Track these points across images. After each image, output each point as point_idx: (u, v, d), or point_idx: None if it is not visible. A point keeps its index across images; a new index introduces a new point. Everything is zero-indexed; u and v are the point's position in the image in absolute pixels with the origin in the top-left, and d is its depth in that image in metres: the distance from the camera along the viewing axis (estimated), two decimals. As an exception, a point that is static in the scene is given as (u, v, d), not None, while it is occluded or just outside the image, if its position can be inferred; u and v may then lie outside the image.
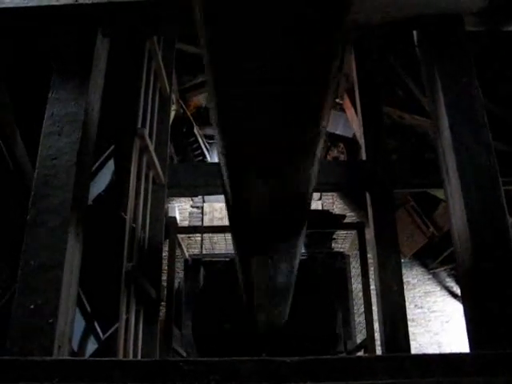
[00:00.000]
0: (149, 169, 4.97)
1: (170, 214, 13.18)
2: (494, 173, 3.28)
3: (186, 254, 9.22)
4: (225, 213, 13.93)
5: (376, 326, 6.01)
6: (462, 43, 3.62)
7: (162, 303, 5.93)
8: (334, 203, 15.12)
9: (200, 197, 14.43)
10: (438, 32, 3.66)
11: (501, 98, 7.27)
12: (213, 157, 14.39)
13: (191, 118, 13.28)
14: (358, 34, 6.18)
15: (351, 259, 8.98)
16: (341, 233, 10.26)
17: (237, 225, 2.97)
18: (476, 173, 3.28)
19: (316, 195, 14.57)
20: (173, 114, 10.74)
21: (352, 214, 14.55)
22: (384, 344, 5.26)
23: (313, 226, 7.97)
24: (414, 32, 3.97)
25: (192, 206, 14.89)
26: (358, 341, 8.09)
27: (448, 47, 3.61)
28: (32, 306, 2.93)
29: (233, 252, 4.16)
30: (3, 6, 3.55)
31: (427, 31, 3.74)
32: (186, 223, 14.37)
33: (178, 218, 13.83)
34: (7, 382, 1.83)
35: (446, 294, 14.24)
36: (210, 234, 11.88)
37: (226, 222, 13.45)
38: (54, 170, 3.26)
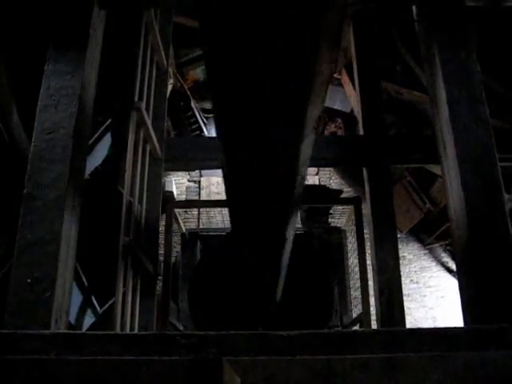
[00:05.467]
0: (146, 143, 4.95)
1: (167, 189, 13.16)
2: (491, 149, 3.28)
3: (183, 229, 9.23)
4: (222, 187, 13.94)
5: (372, 300, 6.06)
6: (462, 18, 3.60)
7: (159, 277, 5.96)
8: (330, 178, 15.12)
9: (197, 171, 14.41)
10: (438, 6, 3.64)
11: (499, 74, 7.23)
12: (210, 131, 14.34)
13: (188, 92, 13.20)
14: (356, 8, 6.14)
15: (348, 234, 9.00)
16: (337, 208, 10.27)
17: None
18: (473, 149, 3.28)
19: (313, 170, 14.56)
20: (170, 87, 10.68)
21: (349, 189, 14.56)
22: (379, 318, 5.30)
23: (310, 201, 7.99)
24: (414, 6, 3.94)
25: (189, 181, 14.88)
26: (354, 315, 8.15)
27: (447, 22, 3.59)
28: (29, 280, 2.94)
29: (230, 226, 4.14)
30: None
31: (427, 5, 3.71)
32: (183, 197, 14.37)
33: (174, 192, 13.82)
34: (5, 355, 1.84)
35: (442, 269, 14.32)
36: (207, 209, 11.90)
37: (223, 197, 13.46)
38: (50, 143, 3.24)
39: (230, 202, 2.97)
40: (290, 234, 3.47)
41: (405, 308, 5.34)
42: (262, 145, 2.02)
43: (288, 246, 3.74)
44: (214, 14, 1.44)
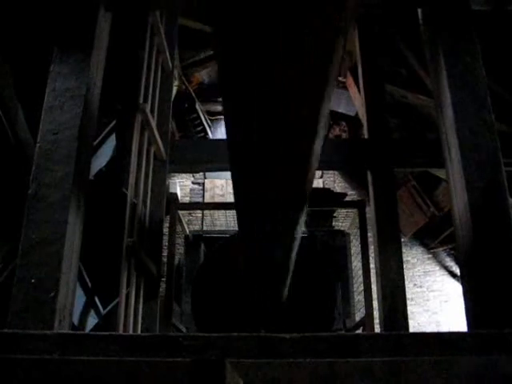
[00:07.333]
0: (150, 144, 4.96)
1: (171, 190, 13.15)
2: (495, 154, 3.28)
3: (187, 230, 9.23)
4: (226, 189, 13.96)
5: (375, 304, 6.05)
6: (467, 22, 3.59)
7: (163, 279, 5.95)
8: (335, 181, 15.10)
9: (201, 173, 14.41)
10: (443, 10, 3.64)
11: (504, 78, 7.22)
12: (214, 133, 14.35)
13: (193, 94, 13.22)
14: (362, 11, 6.14)
15: (351, 237, 8.99)
16: (341, 211, 10.25)
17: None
18: (478, 153, 3.27)
19: (317, 173, 14.52)
20: (175, 89, 10.69)
21: (353, 192, 14.53)
22: (383, 322, 5.29)
23: (314, 204, 7.98)
24: (419, 10, 3.93)
25: (193, 183, 14.88)
26: (357, 319, 8.13)
27: (453, 26, 3.59)
28: (33, 280, 2.94)
29: (234, 228, 4.13)
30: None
31: (432, 9, 3.71)
32: (187, 199, 14.37)
33: (179, 194, 13.81)
34: (8, 354, 1.84)
35: (446, 273, 14.28)
36: (211, 211, 11.90)
37: (226, 199, 13.49)
38: (55, 144, 3.25)
39: (239, 201, 2.96)
40: (298, 233, 3.47)
41: (408, 312, 5.33)
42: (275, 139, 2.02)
43: (296, 245, 3.73)
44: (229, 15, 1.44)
